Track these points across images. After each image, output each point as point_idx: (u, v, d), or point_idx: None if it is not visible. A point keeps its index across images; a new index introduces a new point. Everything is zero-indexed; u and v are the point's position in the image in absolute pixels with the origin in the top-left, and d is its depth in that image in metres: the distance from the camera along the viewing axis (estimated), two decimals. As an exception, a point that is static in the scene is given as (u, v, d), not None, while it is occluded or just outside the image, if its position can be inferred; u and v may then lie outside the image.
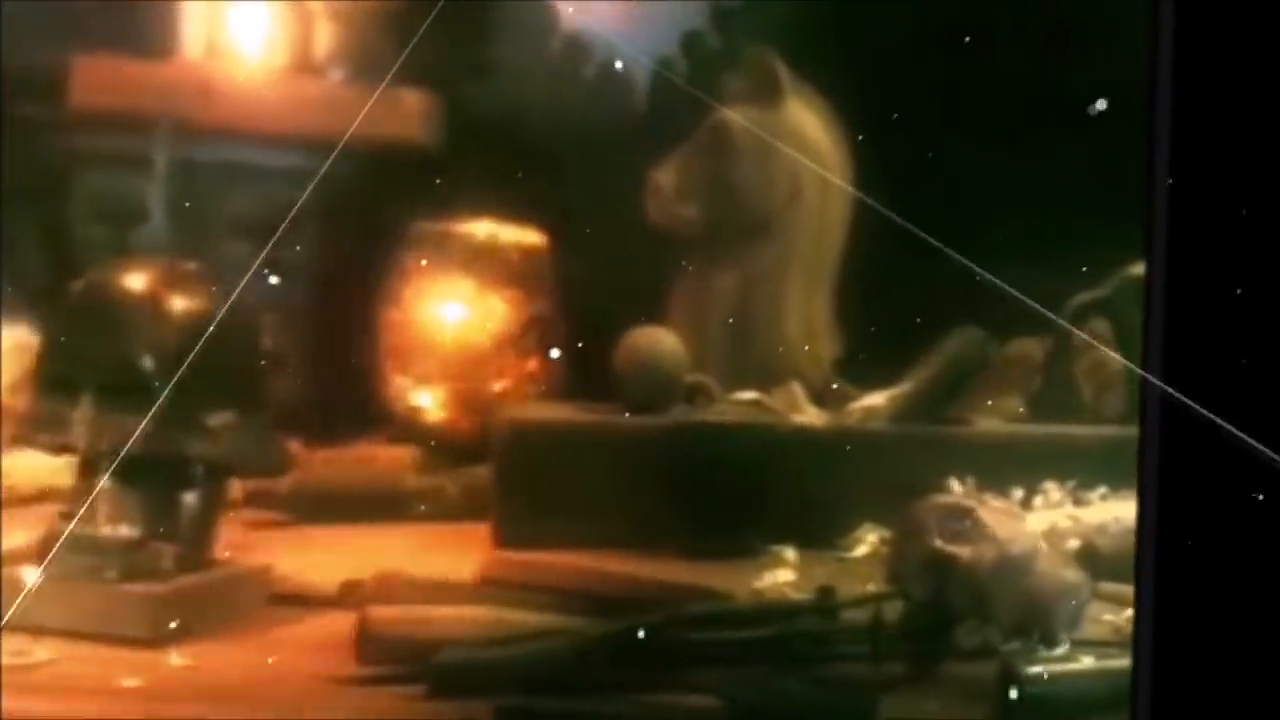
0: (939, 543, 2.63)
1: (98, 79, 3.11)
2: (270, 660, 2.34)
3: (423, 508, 2.82)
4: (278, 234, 2.39)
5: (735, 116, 2.99)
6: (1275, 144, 2.35)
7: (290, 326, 2.90)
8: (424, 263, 3.04)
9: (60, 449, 2.46)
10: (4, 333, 3.10)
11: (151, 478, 2.43)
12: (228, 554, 2.58)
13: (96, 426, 2.39)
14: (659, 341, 2.88)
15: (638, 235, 3.09)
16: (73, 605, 2.36)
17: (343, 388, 3.00)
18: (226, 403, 2.44)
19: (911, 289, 3.00)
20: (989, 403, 3.05)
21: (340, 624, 2.45)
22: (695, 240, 3.10)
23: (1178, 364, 2.49)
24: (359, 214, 3.13)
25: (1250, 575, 2.42)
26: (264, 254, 2.39)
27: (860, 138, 2.94)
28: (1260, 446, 2.15)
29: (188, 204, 3.00)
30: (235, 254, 3.08)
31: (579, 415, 2.84)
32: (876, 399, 2.96)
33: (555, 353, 3.07)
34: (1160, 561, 2.53)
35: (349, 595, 2.50)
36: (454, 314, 3.07)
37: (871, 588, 2.67)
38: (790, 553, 2.74)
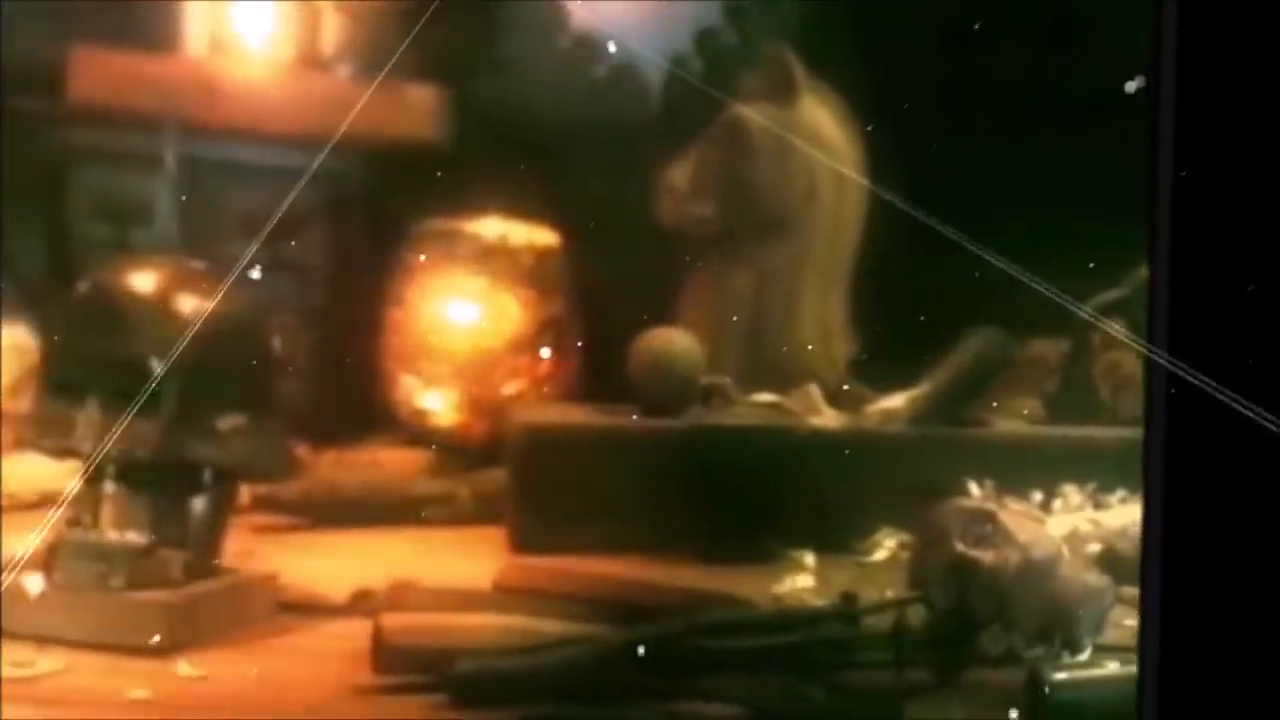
0: (961, 547, 2.60)
1: (99, 74, 3.05)
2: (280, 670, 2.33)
3: (430, 513, 2.83)
4: (265, 230, 2.34)
5: (751, 114, 2.97)
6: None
7: (297, 327, 2.88)
8: (422, 258, 3.02)
9: (64, 453, 2.41)
10: (3, 333, 3.08)
11: (159, 482, 2.38)
12: (233, 561, 2.55)
13: (103, 430, 2.36)
14: (674, 343, 2.84)
15: (651, 235, 3.07)
16: (78, 614, 2.30)
17: (350, 390, 2.95)
18: (236, 406, 2.38)
19: (926, 289, 2.97)
20: (994, 405, 3.06)
21: (353, 632, 2.40)
22: (709, 239, 3.08)
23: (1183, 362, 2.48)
24: (368, 213, 3.09)
25: (1258, 576, 2.41)
26: (252, 250, 2.33)
27: (870, 127, 2.93)
28: (1268, 416, 2.13)
29: (192, 203, 2.99)
30: (240, 253, 3.05)
31: (595, 418, 2.80)
32: (895, 401, 2.92)
33: (545, 352, 3.04)
34: (1167, 562, 2.51)
35: (360, 603, 2.45)
36: (464, 314, 3.03)
37: (891, 593, 2.65)
38: (809, 558, 2.71)
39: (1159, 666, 2.47)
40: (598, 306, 3.00)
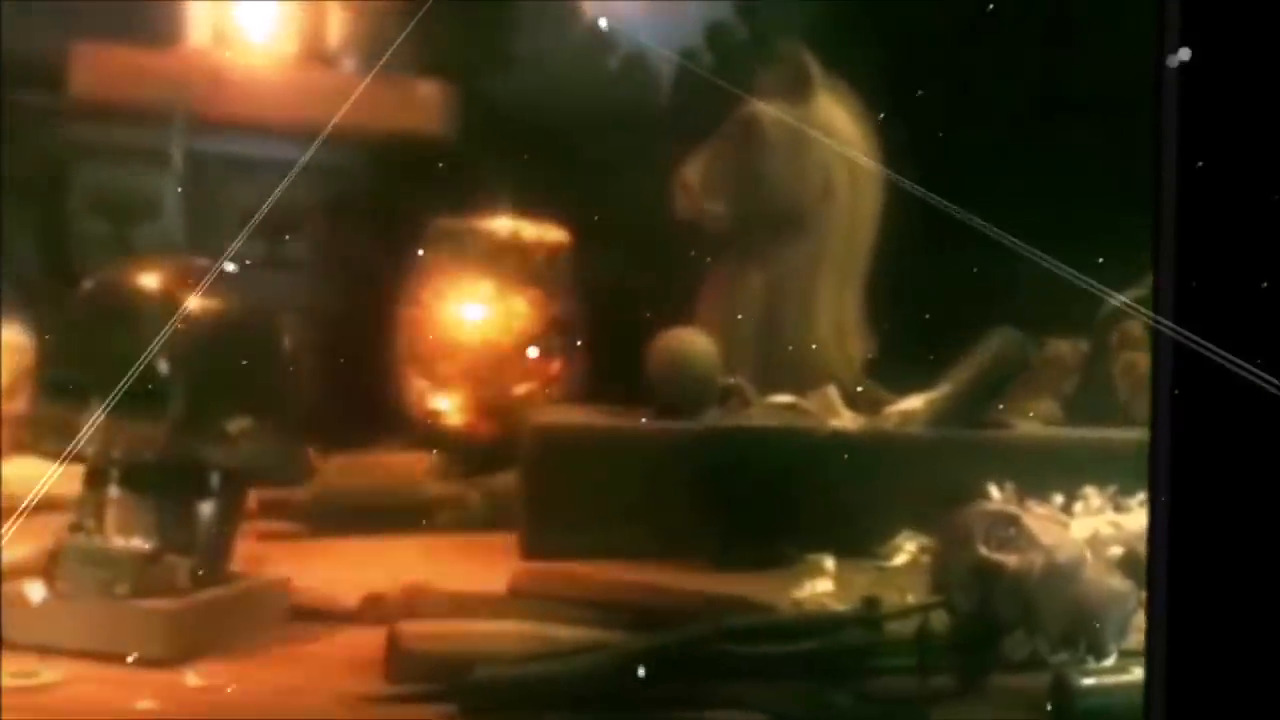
0: (984, 551, 2.56)
1: (100, 68, 2.99)
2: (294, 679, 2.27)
3: (440, 517, 2.77)
4: (251, 225, 2.27)
5: (768, 109, 2.92)
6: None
7: (303, 327, 2.82)
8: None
9: (66, 457, 2.38)
10: (2, 333, 3.01)
11: (165, 486, 2.31)
12: (241, 567, 2.49)
13: (108, 432, 2.30)
14: (691, 343, 2.79)
15: (664, 232, 3.02)
16: (83, 622, 2.23)
17: (358, 391, 2.88)
18: (246, 407, 2.33)
19: (942, 287, 2.94)
20: (1000, 408, 3.05)
21: (364, 640, 2.34)
22: (723, 237, 3.05)
23: (1187, 363, 2.46)
24: (376, 210, 3.04)
25: (1265, 576, 2.39)
26: (235, 245, 2.27)
27: (881, 116, 2.88)
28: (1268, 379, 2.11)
29: (195, 198, 2.93)
30: (246, 250, 2.99)
31: (609, 420, 2.75)
32: (914, 402, 2.87)
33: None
34: (1173, 563, 2.49)
35: (372, 610, 2.40)
36: (474, 314, 2.98)
37: (912, 598, 2.61)
38: (828, 562, 2.65)
39: (1166, 668, 2.46)
40: (610, 306, 2.95)
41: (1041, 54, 2.98)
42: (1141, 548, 2.87)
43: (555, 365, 2.96)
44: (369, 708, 2.20)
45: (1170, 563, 2.47)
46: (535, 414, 2.82)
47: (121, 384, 2.12)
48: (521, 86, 2.99)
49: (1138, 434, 2.97)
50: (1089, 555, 2.61)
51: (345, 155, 3.00)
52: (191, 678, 2.24)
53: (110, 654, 2.24)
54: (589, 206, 2.96)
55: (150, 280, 2.31)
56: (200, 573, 2.30)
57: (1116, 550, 2.79)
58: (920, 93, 2.89)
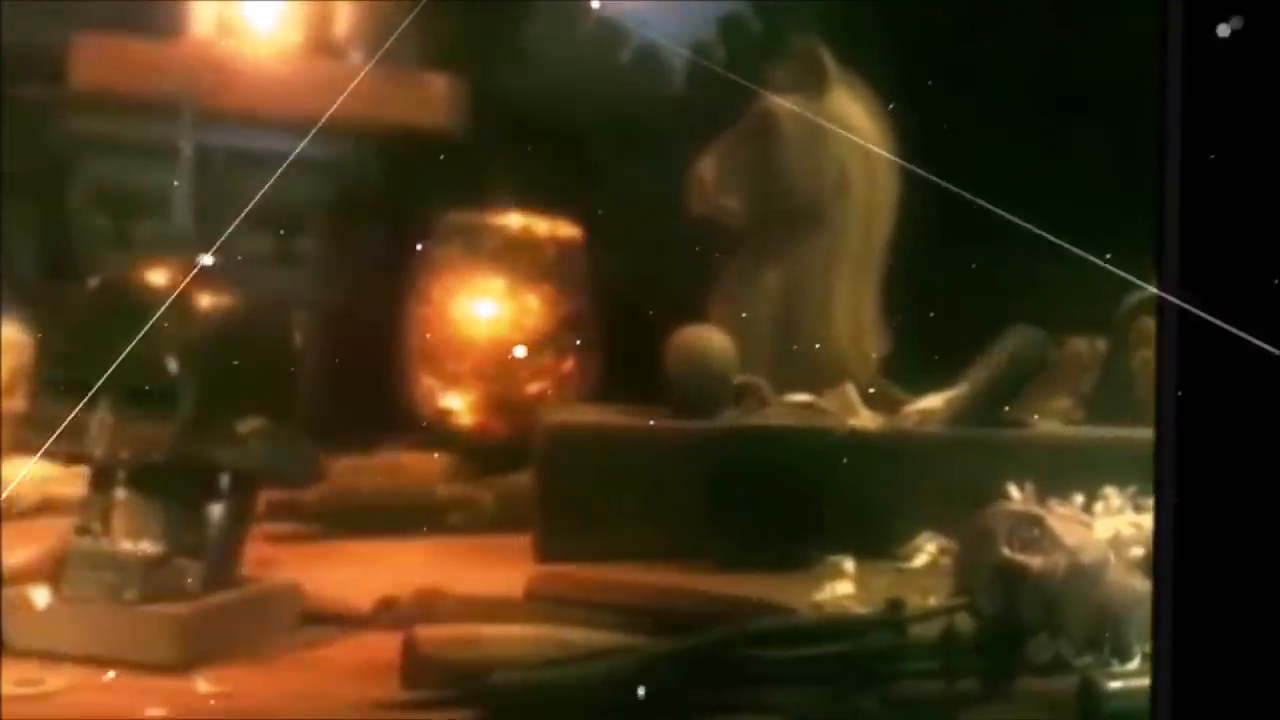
0: (1007, 552, 2.53)
1: (101, 60, 2.94)
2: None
3: (453, 519, 2.72)
4: (238, 219, 2.21)
5: (783, 103, 2.87)
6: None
7: (311, 325, 2.76)
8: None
9: (74, 458, 2.29)
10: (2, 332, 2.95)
11: (174, 488, 2.24)
12: (251, 571, 2.43)
13: (116, 433, 2.23)
14: (708, 341, 2.76)
15: (678, 228, 2.98)
16: (89, 628, 2.17)
17: (367, 390, 2.84)
18: (257, 407, 2.26)
19: (959, 284, 2.92)
20: (1006, 409, 3.02)
21: (378, 644, 2.27)
22: (738, 233, 3.02)
23: (1192, 364, 2.43)
24: (385, 206, 2.99)
25: (1272, 577, 2.36)
26: (222, 238, 2.20)
27: (891, 106, 2.85)
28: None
29: (199, 192, 2.87)
30: (252, 246, 2.93)
31: (625, 419, 2.72)
32: (933, 401, 2.85)
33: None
34: (1180, 564, 2.47)
35: (385, 614, 2.34)
36: (486, 311, 2.93)
37: (934, 600, 2.57)
38: (849, 563, 2.62)
39: (1172, 670, 2.44)
40: (622, 303, 2.90)
41: (1049, 46, 2.96)
42: (1163, 549, 2.88)
43: (568, 363, 2.93)
44: (385, 714, 2.16)
45: (1177, 564, 2.46)
46: (550, 413, 2.79)
47: (95, 385, 2.07)
48: (533, 80, 2.95)
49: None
50: (1112, 557, 2.61)
51: (354, 150, 2.97)
52: (201, 684, 2.18)
53: (117, 660, 2.20)
54: (601, 202, 2.93)
55: (157, 278, 2.27)
56: (209, 577, 2.28)
57: (1138, 551, 2.76)
58: (930, 83, 2.88)
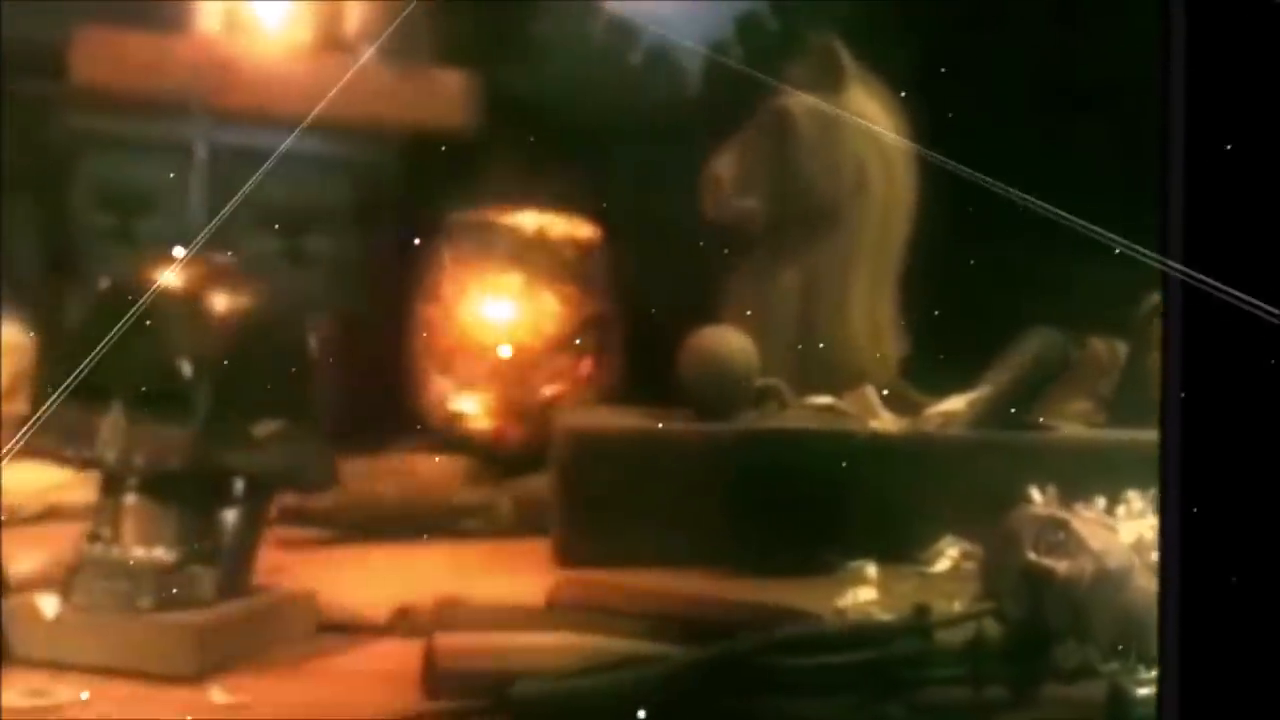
0: (1033, 556, 2.50)
1: (104, 56, 2.88)
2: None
3: (470, 524, 2.66)
4: (223, 214, 2.16)
5: (799, 101, 2.83)
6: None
7: (322, 326, 2.70)
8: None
9: (85, 463, 2.21)
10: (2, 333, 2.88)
11: (188, 494, 2.18)
12: (264, 578, 2.37)
13: (130, 438, 2.15)
14: (728, 342, 2.71)
15: (694, 228, 2.93)
16: (100, 638, 2.10)
17: (380, 392, 2.79)
18: (273, 410, 2.19)
19: (976, 285, 2.89)
20: (1043, 410, 2.98)
21: (396, 653, 2.22)
22: (756, 233, 2.98)
23: (1197, 364, 2.41)
24: (397, 205, 2.93)
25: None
26: (205, 234, 2.15)
27: (903, 94, 2.81)
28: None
29: (206, 192, 2.81)
30: (261, 246, 2.88)
31: (645, 423, 2.66)
32: (955, 404, 2.81)
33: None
34: (1185, 566, 2.45)
35: (403, 622, 2.28)
36: (501, 312, 2.88)
37: (958, 605, 2.54)
38: (871, 569, 2.58)
39: (1179, 671, 2.42)
40: (638, 303, 2.86)
41: (1059, 41, 2.94)
42: (1186, 552, 2.86)
43: (584, 365, 2.88)
44: (406, 725, 2.12)
45: (1183, 565, 2.44)
46: (569, 417, 2.74)
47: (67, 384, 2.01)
48: (547, 79, 2.90)
49: (1178, 435, 2.95)
50: (1136, 561, 2.58)
51: (366, 149, 2.91)
52: (217, 694, 2.12)
53: (130, 671, 2.13)
54: (617, 202, 2.89)
55: (171, 278, 2.21)
56: (224, 584, 2.21)
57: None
58: (946, 79, 2.84)
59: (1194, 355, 2.42)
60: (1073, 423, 2.90)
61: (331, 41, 2.87)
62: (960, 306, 2.87)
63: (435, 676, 2.14)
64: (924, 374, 2.95)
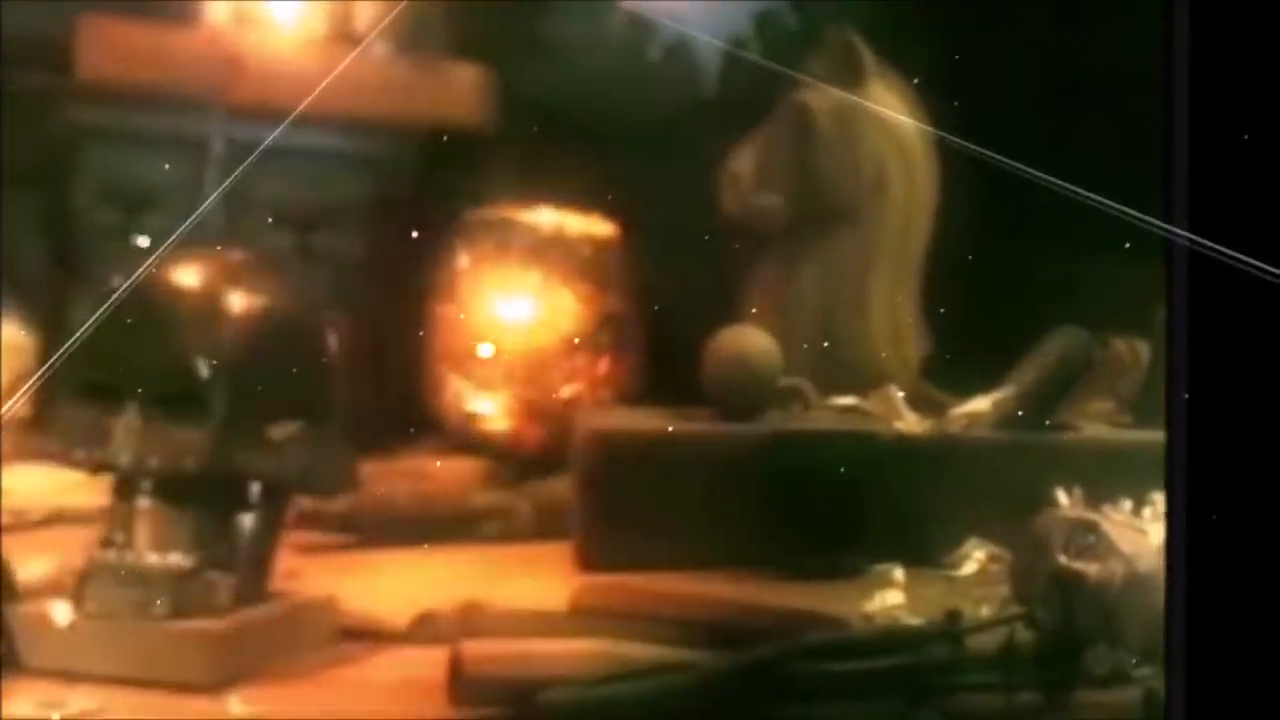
0: (1064, 559, 2.47)
1: (109, 48, 2.81)
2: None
3: (489, 528, 2.60)
4: (204, 209, 2.11)
5: (819, 98, 2.79)
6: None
7: (337, 325, 2.65)
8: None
9: (98, 465, 2.12)
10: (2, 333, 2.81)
11: (204, 497, 2.10)
12: (281, 584, 2.31)
13: (145, 440, 2.07)
14: (751, 342, 2.66)
15: (713, 226, 2.88)
16: (114, 646, 2.03)
17: (395, 393, 2.73)
18: (291, 412, 2.11)
19: (996, 285, 2.86)
20: (1067, 410, 2.96)
21: (418, 661, 2.15)
22: (775, 231, 2.94)
23: (1203, 364, 2.39)
24: (412, 201, 2.87)
25: None
26: (187, 226, 2.09)
27: (916, 80, 2.77)
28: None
29: (213, 188, 2.75)
30: (273, 244, 2.81)
31: (668, 424, 2.61)
32: (980, 404, 2.77)
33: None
34: (1192, 567, 2.42)
35: (425, 628, 2.22)
36: (518, 311, 2.83)
37: (986, 609, 2.51)
38: (898, 572, 2.53)
39: (1185, 673, 2.40)
40: (657, 302, 2.81)
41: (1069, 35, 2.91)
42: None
43: (602, 365, 2.83)
44: (432, 734, 2.07)
45: (1189, 567, 2.42)
46: (591, 418, 2.69)
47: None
48: (564, 75, 2.85)
49: (1201, 435, 2.93)
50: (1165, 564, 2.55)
51: (381, 145, 2.86)
52: (235, 705, 2.07)
53: (145, 680, 2.06)
54: (634, 199, 2.84)
55: (190, 277, 2.13)
56: (241, 590, 2.15)
57: (1189, 557, 2.72)
58: (963, 73, 2.81)
59: (1198, 355, 2.42)
60: (1095, 423, 2.90)
61: (342, 35, 2.82)
62: (981, 306, 2.84)
63: (462, 684, 2.08)
64: (945, 374, 2.93)
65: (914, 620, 2.47)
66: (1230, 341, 2.35)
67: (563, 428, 2.73)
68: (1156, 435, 2.90)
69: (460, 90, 2.83)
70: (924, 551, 2.60)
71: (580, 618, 2.26)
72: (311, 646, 2.17)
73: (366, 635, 2.23)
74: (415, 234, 2.69)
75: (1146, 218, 2.27)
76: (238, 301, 2.13)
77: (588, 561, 2.53)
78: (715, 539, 2.52)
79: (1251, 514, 2.33)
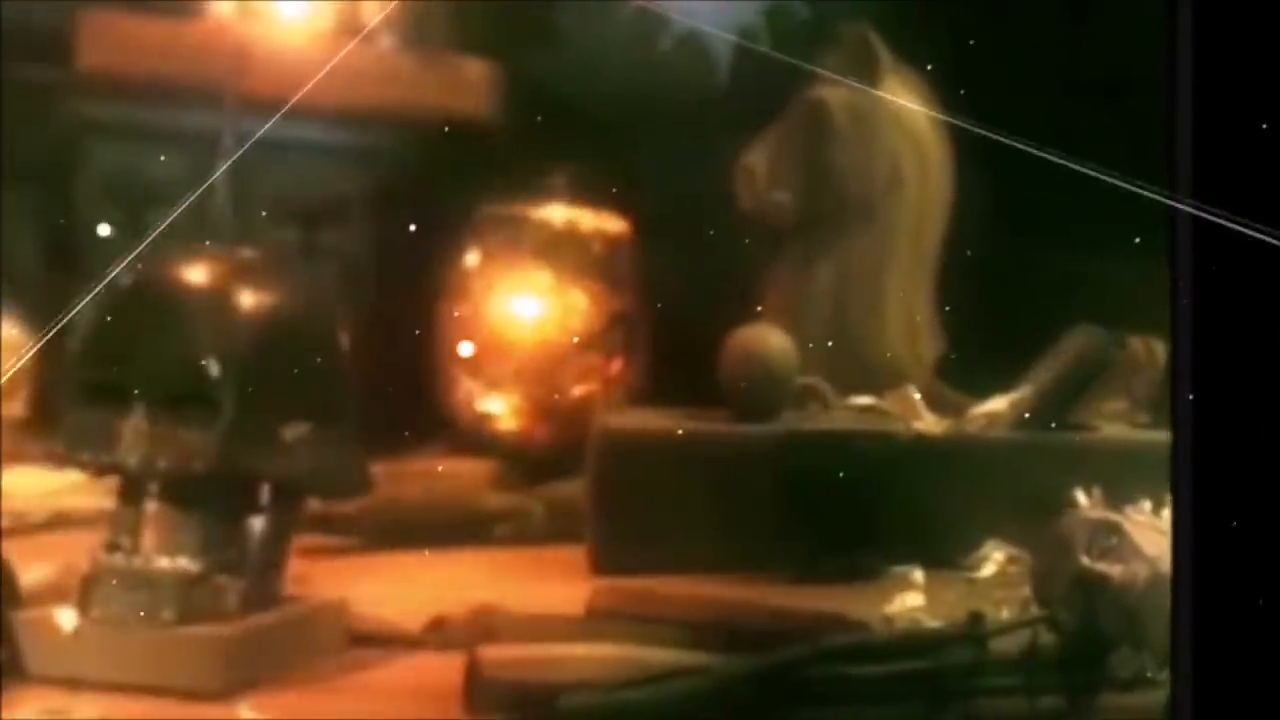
0: (1086, 561, 2.43)
1: (111, 40, 2.76)
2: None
3: (501, 530, 2.56)
4: (185, 204, 2.06)
5: (834, 93, 2.75)
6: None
7: (343, 324, 2.61)
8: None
9: (104, 468, 2.05)
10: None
11: (213, 500, 2.04)
12: (290, 588, 2.28)
13: (153, 441, 2.00)
14: (768, 341, 2.61)
15: (727, 223, 2.85)
16: (121, 652, 1.98)
17: (403, 393, 2.69)
18: (303, 412, 2.05)
19: (1016, 282, 2.84)
20: (1084, 410, 2.93)
21: (432, 666, 2.10)
22: (789, 228, 2.91)
23: (1208, 364, 2.37)
24: (420, 197, 2.83)
25: None
26: (165, 224, 2.05)
27: (929, 67, 2.73)
28: None
29: (218, 184, 2.71)
30: (277, 240, 2.77)
31: (685, 424, 2.56)
32: (998, 404, 2.74)
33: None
34: (1198, 569, 2.40)
35: (437, 633, 2.17)
36: (528, 310, 2.78)
37: (1006, 612, 2.48)
38: (917, 574, 2.49)
39: (1193, 674, 2.37)
40: (670, 301, 2.77)
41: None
42: (1231, 556, 2.81)
43: (614, 364, 2.79)
44: (448, 742, 2.03)
45: (1195, 568, 2.39)
46: (606, 418, 2.64)
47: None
48: (575, 68, 2.81)
49: (1220, 436, 2.91)
50: (1187, 564, 2.52)
51: (388, 139, 2.82)
52: (245, 711, 2.02)
53: (153, 687, 2.00)
54: (647, 195, 2.80)
55: (200, 274, 2.06)
56: (251, 595, 2.09)
57: (1209, 559, 2.70)
58: (978, 62, 2.78)
59: (1204, 354, 2.39)
60: (1113, 423, 2.87)
61: (350, 29, 2.78)
62: (996, 305, 2.82)
63: (479, 689, 2.03)
64: (959, 373, 2.91)
65: (934, 623, 2.46)
66: (1238, 338, 2.34)
67: (574, 428, 2.68)
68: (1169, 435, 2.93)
69: (469, 85, 2.79)
70: (942, 553, 2.56)
71: (596, 621, 2.22)
72: (323, 652, 2.11)
73: (379, 640, 2.19)
74: (424, 231, 2.66)
75: (1151, 189, 2.25)
76: (248, 299, 2.08)
77: (602, 564, 2.49)
78: (732, 541, 2.47)
79: (1262, 516, 2.32)
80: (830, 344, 2.79)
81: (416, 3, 2.83)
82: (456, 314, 2.68)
